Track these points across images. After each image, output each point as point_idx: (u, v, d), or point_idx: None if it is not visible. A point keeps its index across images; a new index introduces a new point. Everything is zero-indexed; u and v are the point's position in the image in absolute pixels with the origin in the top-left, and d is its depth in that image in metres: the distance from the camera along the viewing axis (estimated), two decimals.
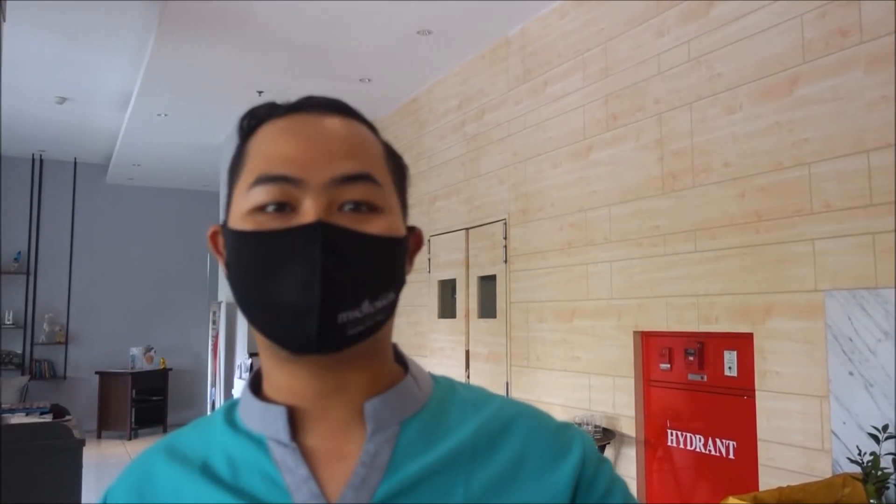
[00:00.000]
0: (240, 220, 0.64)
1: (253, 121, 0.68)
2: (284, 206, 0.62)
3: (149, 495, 0.66)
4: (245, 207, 0.63)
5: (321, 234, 0.60)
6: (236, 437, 0.66)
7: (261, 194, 0.62)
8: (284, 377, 0.65)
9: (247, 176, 0.65)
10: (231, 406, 0.71)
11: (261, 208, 0.62)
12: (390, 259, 0.65)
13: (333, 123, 0.66)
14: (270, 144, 0.64)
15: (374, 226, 0.63)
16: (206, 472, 0.65)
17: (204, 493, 0.63)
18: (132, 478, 0.69)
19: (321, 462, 0.63)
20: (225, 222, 0.68)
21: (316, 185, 0.62)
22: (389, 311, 0.65)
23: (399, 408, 0.66)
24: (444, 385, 0.71)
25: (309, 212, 0.61)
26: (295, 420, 0.65)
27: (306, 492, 0.62)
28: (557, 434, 0.68)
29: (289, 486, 0.62)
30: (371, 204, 0.64)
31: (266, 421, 0.65)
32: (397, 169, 0.70)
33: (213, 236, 0.70)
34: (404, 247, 0.67)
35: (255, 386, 0.70)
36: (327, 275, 0.59)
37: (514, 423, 0.68)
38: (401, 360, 0.71)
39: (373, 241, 0.63)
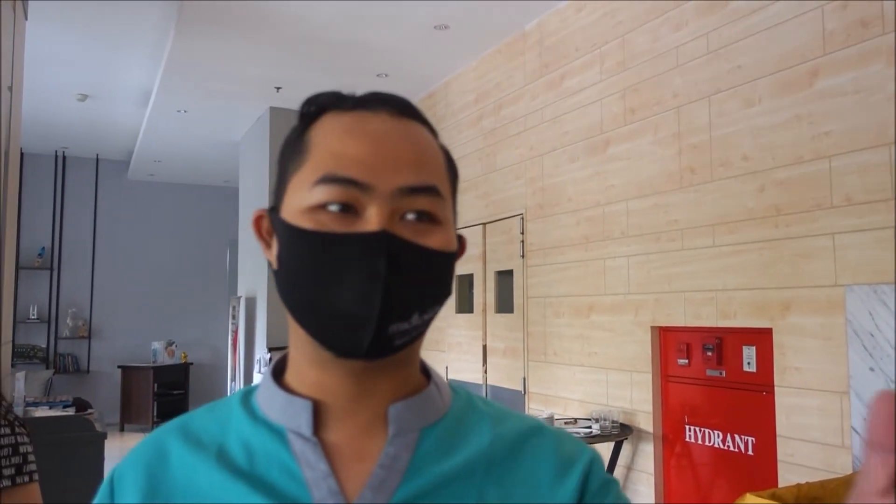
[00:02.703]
0: (298, 216, 0.62)
1: (313, 107, 0.67)
2: (348, 208, 0.61)
3: (160, 475, 0.65)
4: (306, 203, 0.62)
5: (385, 244, 0.59)
6: (254, 426, 0.65)
7: (325, 193, 0.61)
8: (315, 373, 0.65)
9: (310, 170, 0.63)
10: (248, 393, 0.70)
11: (322, 206, 0.61)
12: (444, 274, 0.65)
13: (402, 127, 0.65)
14: (338, 142, 0.63)
15: (434, 239, 0.63)
16: (222, 458, 0.64)
17: (219, 480, 0.62)
18: (145, 455, 0.67)
19: (340, 460, 0.63)
20: (274, 208, 0.66)
21: (383, 192, 0.61)
22: (432, 321, 0.65)
23: (421, 414, 0.66)
24: (462, 396, 0.72)
25: (373, 219, 0.60)
26: (318, 415, 0.64)
27: (325, 488, 0.61)
28: (566, 450, 0.69)
29: (307, 481, 0.61)
30: (433, 216, 0.63)
31: (288, 413, 0.65)
32: (453, 174, 0.70)
33: (258, 220, 0.68)
34: (455, 261, 0.67)
35: (276, 374, 0.69)
36: (388, 287, 0.59)
37: (528, 442, 0.68)
38: (423, 369, 0.71)
39: (432, 256, 0.62)
